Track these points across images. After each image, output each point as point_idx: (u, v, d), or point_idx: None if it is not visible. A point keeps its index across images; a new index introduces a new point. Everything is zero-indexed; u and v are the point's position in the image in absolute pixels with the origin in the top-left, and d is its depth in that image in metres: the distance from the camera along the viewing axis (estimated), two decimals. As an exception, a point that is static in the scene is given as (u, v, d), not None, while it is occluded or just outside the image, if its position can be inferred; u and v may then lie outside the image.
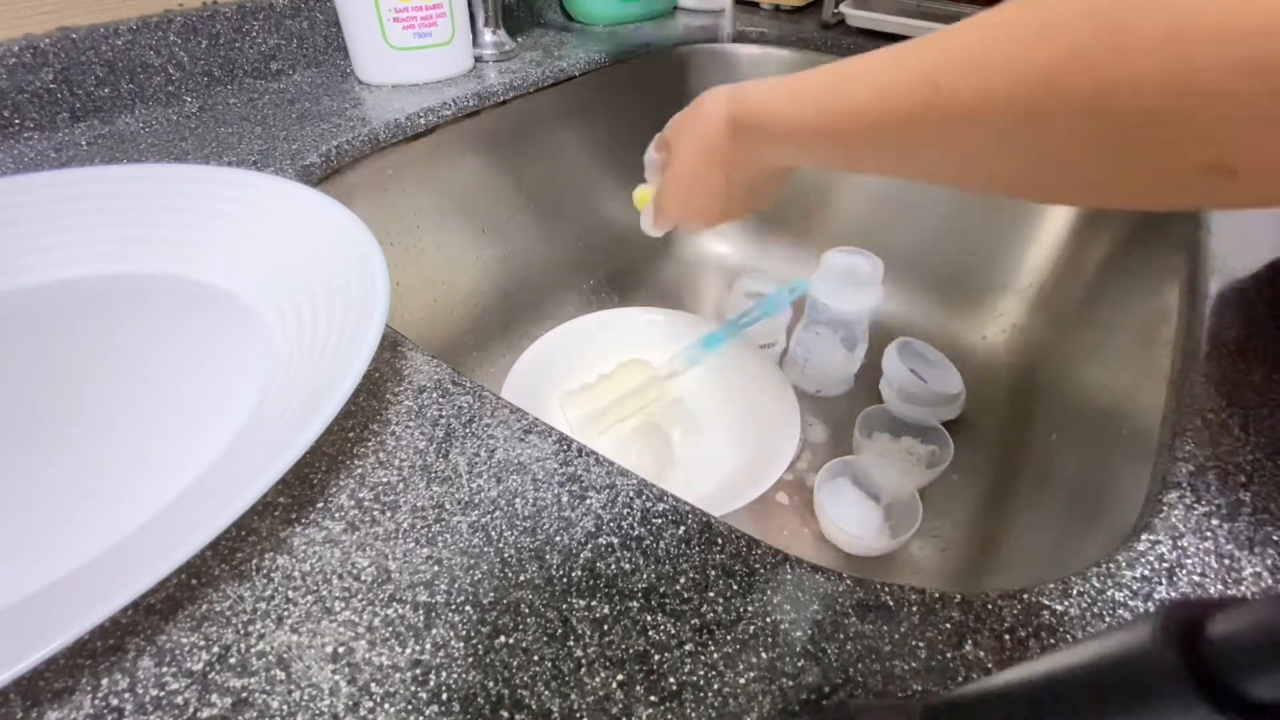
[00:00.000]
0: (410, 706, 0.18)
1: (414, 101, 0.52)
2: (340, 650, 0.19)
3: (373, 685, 0.18)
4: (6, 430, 0.26)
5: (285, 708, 0.18)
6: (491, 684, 0.19)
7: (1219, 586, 0.21)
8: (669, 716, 0.18)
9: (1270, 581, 0.22)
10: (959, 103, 0.21)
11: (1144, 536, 0.23)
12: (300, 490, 0.24)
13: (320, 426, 0.22)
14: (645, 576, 0.21)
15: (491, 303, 0.64)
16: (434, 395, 0.28)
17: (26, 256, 0.33)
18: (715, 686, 0.19)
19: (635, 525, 0.23)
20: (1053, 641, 0.20)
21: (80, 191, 0.35)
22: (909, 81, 0.22)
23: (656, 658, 0.19)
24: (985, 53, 0.20)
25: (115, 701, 0.18)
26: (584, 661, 0.19)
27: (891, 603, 0.21)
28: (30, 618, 0.19)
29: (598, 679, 0.19)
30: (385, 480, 0.24)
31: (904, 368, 0.60)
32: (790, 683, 0.19)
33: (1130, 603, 0.21)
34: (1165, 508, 0.24)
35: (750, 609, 0.21)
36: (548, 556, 0.22)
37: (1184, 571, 0.22)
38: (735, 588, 0.21)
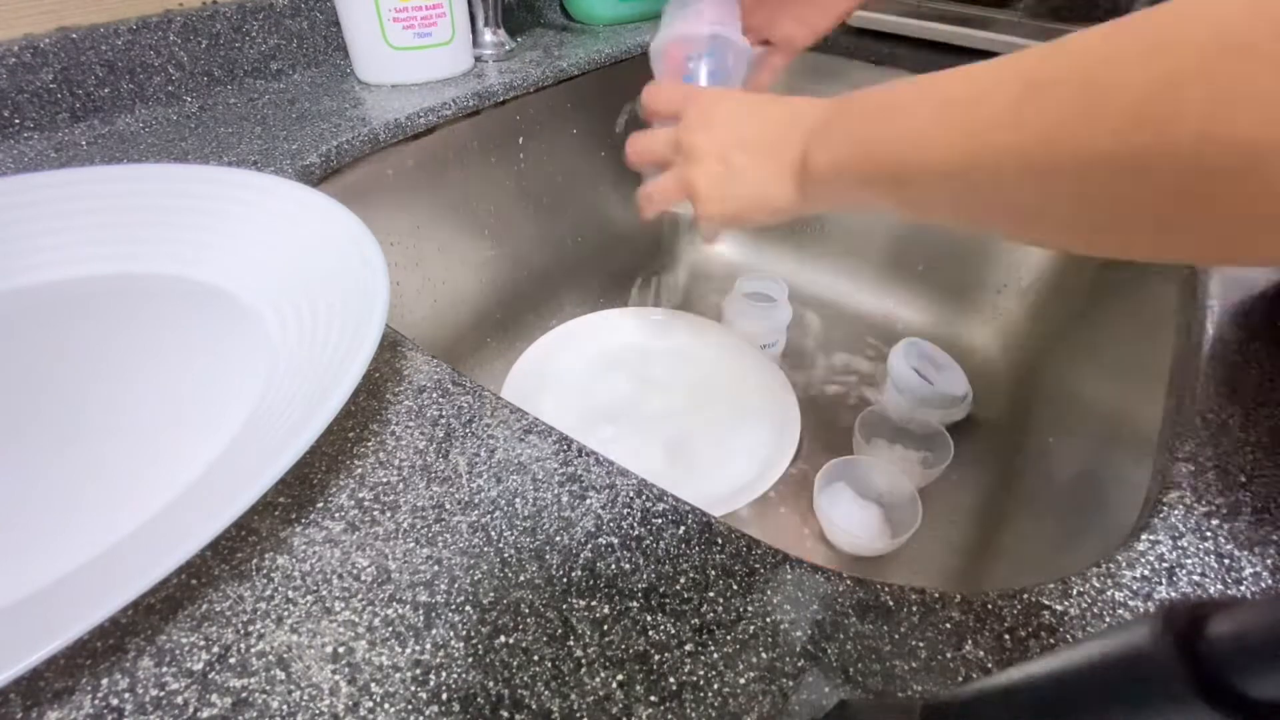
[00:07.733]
0: (410, 706, 0.18)
1: (414, 101, 0.52)
2: (340, 650, 0.19)
3: (373, 685, 0.18)
4: (6, 430, 0.26)
5: (285, 708, 0.18)
6: (491, 684, 0.19)
7: (1219, 586, 0.21)
8: (669, 716, 0.18)
9: (1270, 581, 0.22)
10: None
11: (1144, 536, 0.23)
12: (300, 490, 0.24)
13: (320, 426, 0.22)
14: (645, 576, 0.21)
15: (491, 303, 0.64)
16: (434, 395, 0.28)
17: (26, 256, 0.33)
18: (715, 686, 0.19)
19: (635, 525, 0.23)
20: (1053, 641, 0.20)
21: (80, 191, 0.35)
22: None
23: (656, 658, 0.19)
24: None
25: (115, 701, 0.18)
26: (584, 661, 0.19)
27: (891, 603, 0.21)
28: (30, 618, 0.19)
29: (598, 679, 0.19)
30: (385, 480, 0.24)
31: (910, 370, 0.60)
32: (790, 683, 0.19)
33: (1130, 603, 0.21)
34: (1165, 508, 0.24)
35: (750, 609, 0.21)
36: (548, 556, 0.22)
37: (1184, 571, 0.22)
38: (735, 588, 0.21)
